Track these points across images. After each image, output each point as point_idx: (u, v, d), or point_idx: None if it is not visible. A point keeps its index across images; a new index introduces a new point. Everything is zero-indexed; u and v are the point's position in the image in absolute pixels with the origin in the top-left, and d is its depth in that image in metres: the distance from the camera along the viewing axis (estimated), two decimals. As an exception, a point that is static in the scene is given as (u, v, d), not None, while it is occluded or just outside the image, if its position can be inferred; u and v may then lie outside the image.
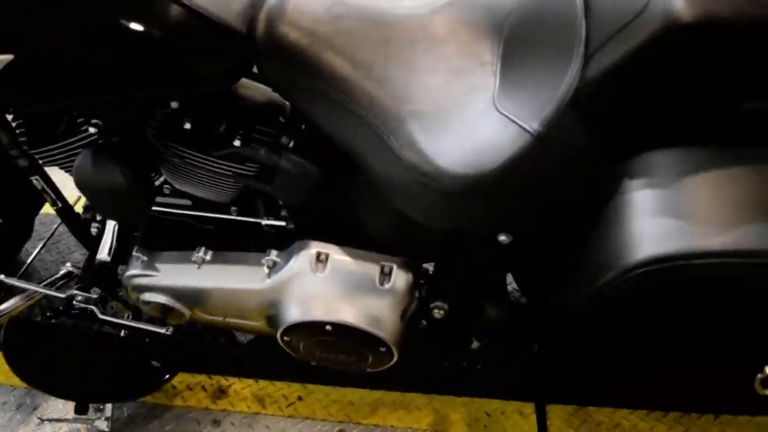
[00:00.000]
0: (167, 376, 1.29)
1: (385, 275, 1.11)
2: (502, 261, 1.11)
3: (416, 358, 1.39)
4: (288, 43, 0.97)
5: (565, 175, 0.89)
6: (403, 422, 1.33)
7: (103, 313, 1.20)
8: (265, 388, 1.39)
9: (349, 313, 1.10)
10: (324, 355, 1.19)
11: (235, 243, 1.19)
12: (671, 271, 0.76)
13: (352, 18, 1.01)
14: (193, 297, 1.19)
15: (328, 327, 1.11)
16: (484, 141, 0.91)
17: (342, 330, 1.11)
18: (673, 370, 1.00)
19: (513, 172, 0.88)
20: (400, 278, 1.11)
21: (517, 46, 0.98)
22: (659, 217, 0.79)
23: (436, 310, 1.17)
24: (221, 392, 1.38)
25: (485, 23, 1.04)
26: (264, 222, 1.16)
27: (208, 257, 1.17)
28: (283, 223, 1.16)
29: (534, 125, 0.87)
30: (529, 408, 1.34)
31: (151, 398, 1.36)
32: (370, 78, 0.97)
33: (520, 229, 0.99)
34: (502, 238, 1.00)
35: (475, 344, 1.17)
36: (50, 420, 1.35)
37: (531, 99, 0.90)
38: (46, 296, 1.34)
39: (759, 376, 0.84)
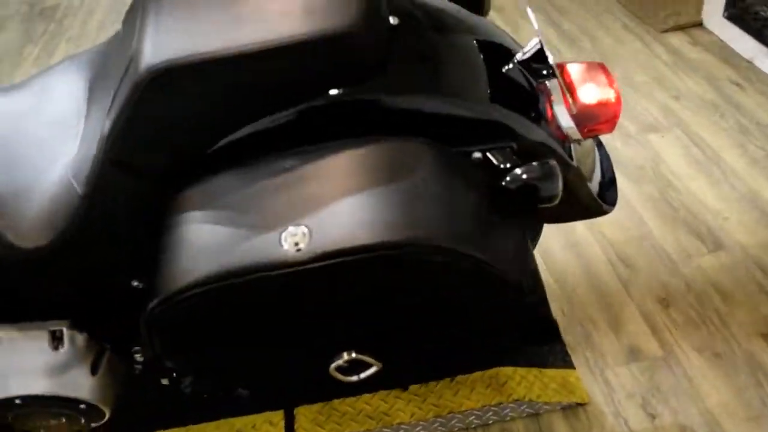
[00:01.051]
0: None
1: (58, 338, 1.14)
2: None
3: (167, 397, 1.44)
4: None
5: (126, 221, 0.94)
6: (160, 461, 1.37)
7: None
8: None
9: (29, 383, 1.13)
10: (37, 424, 1.22)
11: None
12: (187, 299, 0.81)
13: None
14: None
15: (17, 401, 1.14)
16: (52, 209, 0.95)
17: (33, 400, 1.14)
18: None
19: (75, 233, 0.93)
20: (74, 337, 1.14)
21: (91, 105, 1.02)
22: (183, 249, 0.84)
23: (136, 355, 1.21)
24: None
25: (78, 86, 1.07)
26: None
27: None
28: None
29: (82, 187, 0.91)
30: (278, 416, 1.40)
31: None
32: None
33: (141, 272, 1.03)
34: (135, 283, 1.04)
35: (165, 381, 1.22)
36: None
37: (87, 160, 0.94)
38: None
39: (332, 364, 0.90)
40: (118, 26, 1.05)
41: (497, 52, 1.05)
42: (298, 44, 0.82)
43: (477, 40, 1.03)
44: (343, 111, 0.89)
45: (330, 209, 0.79)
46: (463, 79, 0.97)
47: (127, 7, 1.01)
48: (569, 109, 0.98)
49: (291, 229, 0.78)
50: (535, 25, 0.99)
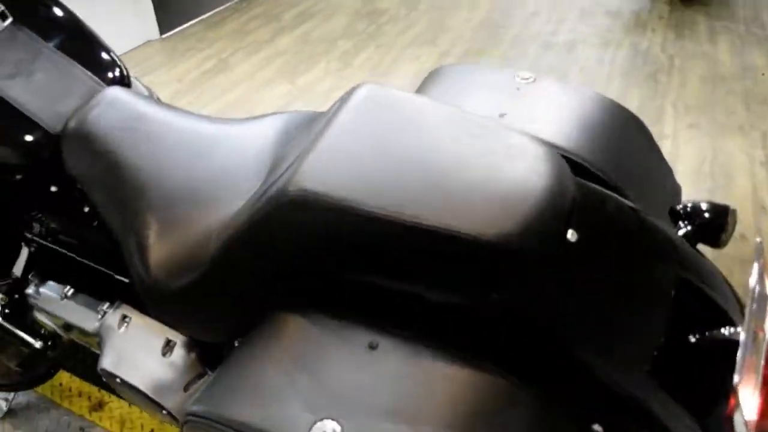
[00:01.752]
0: (51, 371, 1.56)
1: (170, 348, 1.22)
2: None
3: None
4: (88, 150, 1.14)
5: (241, 293, 0.95)
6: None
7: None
8: (131, 413, 1.56)
9: (131, 372, 1.23)
10: (131, 398, 1.33)
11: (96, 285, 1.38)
12: (215, 427, 0.79)
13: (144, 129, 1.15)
14: (60, 325, 1.42)
15: (118, 380, 1.25)
16: (189, 257, 0.99)
17: (129, 386, 1.24)
18: None
19: (198, 285, 0.97)
20: (181, 352, 1.21)
21: (268, 176, 1.03)
22: (239, 378, 0.82)
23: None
24: (100, 406, 1.59)
25: (268, 148, 1.11)
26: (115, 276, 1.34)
27: (69, 294, 1.38)
28: (126, 280, 1.33)
29: (214, 249, 0.94)
30: None
31: (50, 394, 1.62)
32: (134, 179, 1.10)
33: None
34: (236, 343, 1.06)
35: None
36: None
37: (228, 228, 0.95)
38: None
39: None
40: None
41: (703, 307, 0.84)
42: (440, 234, 0.73)
43: (679, 287, 0.83)
44: (461, 312, 0.78)
45: (379, 422, 0.70)
46: (624, 330, 0.79)
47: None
48: (752, 427, 0.73)
49: (326, 422, 0.71)
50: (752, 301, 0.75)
